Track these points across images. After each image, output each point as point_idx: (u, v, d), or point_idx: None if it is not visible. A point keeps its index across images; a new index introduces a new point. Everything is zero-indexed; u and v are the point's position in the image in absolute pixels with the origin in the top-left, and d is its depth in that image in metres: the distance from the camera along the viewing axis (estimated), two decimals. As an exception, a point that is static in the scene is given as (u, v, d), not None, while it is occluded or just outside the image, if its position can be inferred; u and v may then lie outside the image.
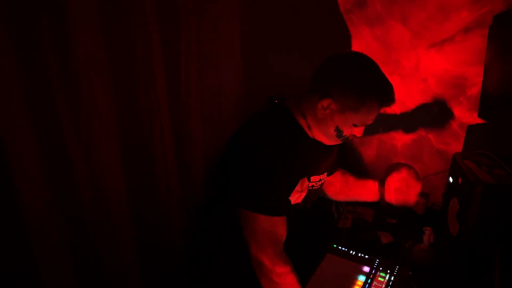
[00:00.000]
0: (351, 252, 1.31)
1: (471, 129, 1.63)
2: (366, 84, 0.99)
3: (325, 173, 1.25)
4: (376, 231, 1.51)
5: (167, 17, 1.23)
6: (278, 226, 1.04)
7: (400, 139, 1.91)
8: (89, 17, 0.95)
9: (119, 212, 1.12)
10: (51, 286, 0.93)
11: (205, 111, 1.56)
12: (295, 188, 1.09)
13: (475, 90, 1.62)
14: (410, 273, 1.22)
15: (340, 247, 1.33)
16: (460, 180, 1.26)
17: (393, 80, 1.81)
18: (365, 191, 1.39)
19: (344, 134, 1.06)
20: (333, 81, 1.01)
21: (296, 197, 1.11)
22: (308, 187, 1.15)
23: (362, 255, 1.29)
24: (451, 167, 1.40)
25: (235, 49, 1.90)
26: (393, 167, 1.27)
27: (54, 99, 0.90)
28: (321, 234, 1.46)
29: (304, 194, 1.14)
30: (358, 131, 1.07)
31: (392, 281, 1.18)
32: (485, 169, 1.20)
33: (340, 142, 1.12)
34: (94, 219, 1.05)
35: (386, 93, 1.01)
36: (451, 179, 1.37)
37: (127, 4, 1.07)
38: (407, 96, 1.80)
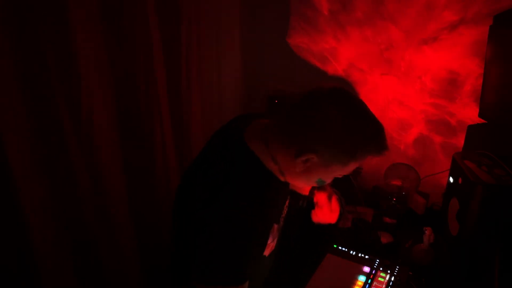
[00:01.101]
0: (351, 252, 1.31)
1: (471, 129, 1.63)
2: (357, 141, 0.83)
3: (287, 204, 1.10)
4: (376, 231, 1.51)
5: (168, 17, 1.24)
6: None
7: (400, 139, 1.91)
8: (90, 18, 0.95)
9: (119, 212, 1.12)
10: (51, 286, 0.93)
11: (205, 111, 1.56)
12: (268, 242, 0.94)
13: (469, 85, 1.63)
14: (410, 273, 1.22)
15: (340, 247, 1.33)
16: (460, 180, 1.26)
17: (390, 80, 1.84)
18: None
19: (326, 182, 0.92)
20: (317, 138, 0.84)
21: (269, 249, 0.98)
22: (279, 222, 1.01)
23: (362, 255, 1.29)
24: (451, 167, 1.40)
25: (235, 49, 1.91)
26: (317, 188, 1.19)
27: (54, 99, 0.91)
28: (321, 234, 1.46)
29: (276, 239, 1.01)
30: (341, 177, 0.93)
31: (392, 281, 1.18)
32: (485, 169, 1.20)
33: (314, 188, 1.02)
34: (94, 219, 1.05)
35: (379, 145, 0.85)
36: (451, 179, 1.37)
37: (128, 5, 1.07)
38: (405, 96, 1.80)
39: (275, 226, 0.97)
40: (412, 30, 1.70)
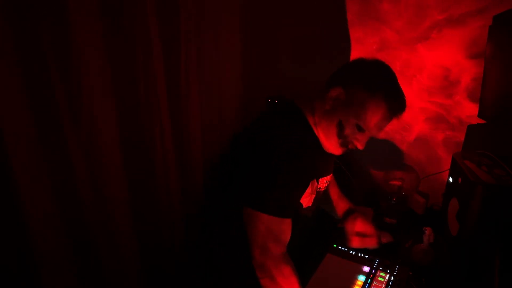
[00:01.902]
0: (351, 252, 1.31)
1: (471, 129, 1.64)
2: (380, 82, 0.97)
3: (331, 174, 1.23)
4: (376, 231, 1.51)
5: (168, 17, 1.24)
6: (283, 228, 1.00)
7: (400, 138, 1.91)
8: (89, 18, 0.95)
9: (119, 212, 1.12)
10: (51, 286, 0.93)
11: (205, 111, 1.56)
12: (306, 191, 1.05)
13: (465, 82, 1.64)
14: (410, 273, 1.22)
15: (340, 247, 1.33)
16: (460, 180, 1.26)
17: None
18: (337, 209, 1.40)
19: (345, 133, 1.00)
20: (348, 74, 1.00)
21: (307, 200, 1.08)
22: (317, 189, 1.12)
23: (362, 255, 1.29)
24: (451, 167, 1.40)
25: (235, 49, 1.90)
26: (349, 213, 1.30)
27: (54, 99, 0.91)
28: (321, 234, 1.46)
29: (314, 197, 1.11)
30: (360, 138, 1.01)
31: (392, 281, 1.18)
32: (485, 169, 1.20)
33: (339, 148, 1.05)
34: (94, 219, 1.05)
35: (396, 96, 0.99)
36: (451, 179, 1.37)
37: (127, 5, 1.07)
38: (405, 93, 1.80)
39: (315, 183, 1.07)
40: (404, 30, 1.72)
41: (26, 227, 0.87)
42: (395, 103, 0.98)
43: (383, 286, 1.16)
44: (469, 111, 1.65)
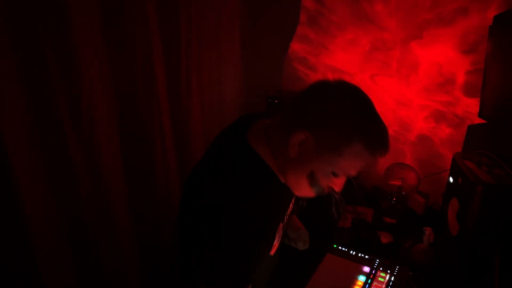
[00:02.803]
0: (351, 252, 1.31)
1: (471, 129, 1.63)
2: (355, 122, 0.78)
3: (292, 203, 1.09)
4: (376, 231, 1.51)
5: (168, 17, 1.24)
6: None
7: (400, 138, 1.91)
8: (90, 18, 0.95)
9: (119, 212, 1.12)
10: (51, 286, 0.93)
11: (205, 111, 1.56)
12: (274, 242, 0.93)
13: (460, 77, 1.64)
14: (410, 273, 1.22)
15: (340, 247, 1.33)
16: (460, 180, 1.26)
17: (383, 81, 1.84)
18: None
19: (319, 183, 0.84)
20: (314, 112, 0.79)
21: (275, 248, 0.97)
22: (282, 228, 0.99)
23: (362, 255, 1.29)
24: (451, 167, 1.40)
25: (235, 49, 1.91)
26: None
27: (55, 100, 0.91)
28: (321, 234, 1.46)
29: (280, 238, 0.99)
30: (338, 183, 0.85)
31: (392, 281, 1.18)
32: (485, 169, 1.20)
33: (313, 193, 0.88)
34: (94, 219, 1.05)
35: (378, 138, 0.80)
36: (451, 179, 1.37)
37: (128, 5, 1.07)
38: (401, 95, 1.81)
39: (281, 225, 0.95)
40: (396, 30, 1.73)
41: (26, 227, 0.87)
42: (376, 146, 0.80)
43: (383, 286, 1.16)
44: (467, 106, 1.66)
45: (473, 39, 1.53)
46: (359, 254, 1.29)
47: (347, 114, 0.78)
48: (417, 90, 1.77)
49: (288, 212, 1.02)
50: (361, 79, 1.88)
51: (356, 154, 0.78)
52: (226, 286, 0.80)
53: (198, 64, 1.43)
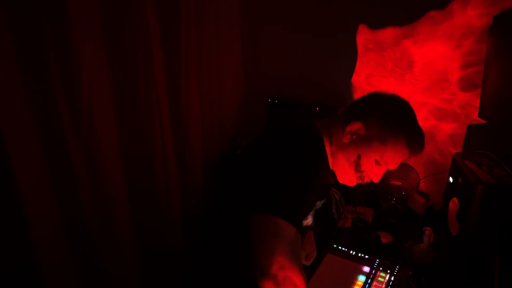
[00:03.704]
0: (351, 252, 1.31)
1: (471, 129, 1.63)
2: (403, 121, 0.97)
3: (326, 197, 1.28)
4: (376, 231, 1.51)
5: (168, 17, 1.24)
6: (299, 243, 0.87)
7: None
8: (90, 18, 0.95)
9: (119, 212, 1.12)
10: (52, 286, 0.93)
11: (205, 112, 1.56)
12: (310, 213, 1.07)
13: (455, 73, 1.66)
14: (410, 273, 1.22)
15: (340, 247, 1.33)
16: (460, 180, 1.26)
17: (379, 82, 1.85)
18: None
19: (362, 168, 0.99)
20: (371, 109, 0.99)
21: (307, 220, 1.11)
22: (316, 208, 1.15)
23: (362, 255, 1.29)
24: (451, 167, 1.40)
25: (235, 49, 1.91)
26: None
27: (55, 100, 0.91)
28: (321, 234, 1.46)
29: (312, 217, 1.15)
30: (377, 172, 1.01)
31: (392, 281, 1.18)
32: (485, 169, 1.20)
33: (354, 181, 1.03)
34: (95, 220, 1.05)
35: (417, 138, 0.99)
36: (451, 179, 1.37)
37: (127, 5, 1.07)
38: (400, 92, 1.82)
39: (317, 203, 1.07)
40: (389, 29, 1.75)
41: (27, 227, 0.87)
42: (416, 145, 0.99)
43: (383, 286, 1.16)
44: (464, 101, 1.68)
45: (460, 34, 1.59)
46: (359, 254, 1.29)
47: (398, 113, 0.98)
48: (413, 88, 1.78)
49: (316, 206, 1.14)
50: (356, 81, 1.89)
51: (398, 147, 0.96)
52: (279, 213, 0.83)
53: (198, 64, 1.44)
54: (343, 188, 1.68)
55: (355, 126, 0.96)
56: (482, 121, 1.50)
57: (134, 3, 1.08)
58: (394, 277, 1.19)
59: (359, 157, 0.98)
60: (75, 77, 0.93)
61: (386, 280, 1.18)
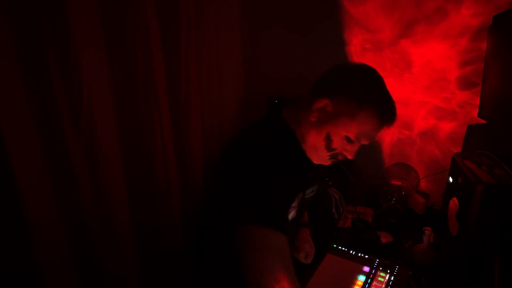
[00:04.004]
0: (351, 252, 1.31)
1: (471, 129, 1.63)
2: (367, 92, 0.90)
3: (318, 183, 1.21)
4: (376, 231, 1.51)
5: (168, 17, 1.24)
6: (287, 247, 0.85)
7: (400, 137, 1.91)
8: (89, 18, 0.95)
9: (119, 212, 1.12)
10: (52, 286, 0.93)
11: (205, 111, 1.56)
12: (293, 204, 1.02)
13: (453, 72, 1.67)
14: (410, 273, 1.22)
15: (340, 247, 1.33)
16: (460, 180, 1.26)
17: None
18: None
19: (333, 146, 0.94)
20: (334, 83, 0.93)
21: (292, 213, 1.06)
22: (302, 199, 1.09)
23: (362, 255, 1.29)
24: (451, 167, 1.40)
25: (235, 50, 1.90)
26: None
27: (54, 101, 0.91)
28: (321, 234, 1.46)
29: (298, 209, 1.08)
30: (350, 149, 0.96)
31: (392, 281, 1.18)
32: (485, 169, 1.20)
33: (328, 160, 0.99)
34: (95, 220, 1.05)
35: (385, 105, 0.92)
36: (451, 179, 1.37)
37: (128, 5, 1.07)
38: (397, 94, 1.82)
39: (301, 195, 1.03)
40: (384, 29, 1.75)
41: (27, 227, 0.87)
42: (386, 112, 0.92)
43: (383, 286, 1.16)
44: (463, 100, 1.68)
45: (456, 33, 1.60)
46: (359, 254, 1.29)
47: (362, 84, 0.91)
48: (413, 88, 1.78)
49: (311, 192, 1.12)
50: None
51: (367, 119, 0.91)
52: (262, 222, 0.83)
53: (198, 64, 1.43)
54: (344, 188, 1.68)
55: (321, 102, 0.92)
56: (482, 120, 1.50)
57: (134, 3, 1.08)
58: (394, 277, 1.19)
59: (328, 135, 0.93)
60: (75, 77, 0.93)
61: (386, 280, 1.18)
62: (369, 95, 0.90)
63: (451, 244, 1.31)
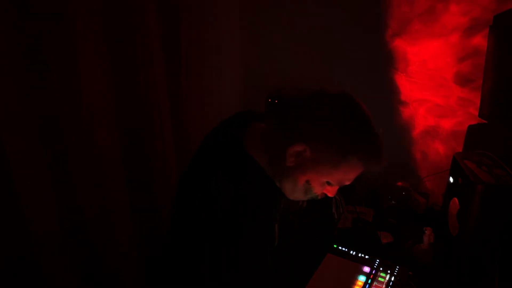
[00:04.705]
0: (351, 252, 1.31)
1: (471, 129, 1.63)
2: (352, 138, 0.80)
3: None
4: (376, 231, 1.51)
5: (168, 16, 1.24)
6: None
7: (400, 137, 1.91)
8: (90, 18, 0.95)
9: (119, 212, 1.12)
10: (52, 285, 0.93)
11: (206, 111, 1.56)
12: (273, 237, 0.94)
13: (451, 70, 1.68)
14: (410, 273, 1.22)
15: (340, 247, 1.33)
16: (460, 180, 1.26)
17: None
18: None
19: (314, 191, 0.87)
20: (312, 125, 0.81)
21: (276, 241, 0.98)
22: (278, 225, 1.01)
23: (362, 255, 1.29)
24: (451, 167, 1.40)
25: (235, 49, 1.91)
26: None
27: (54, 101, 0.91)
28: (321, 234, 1.46)
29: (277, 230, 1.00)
30: (331, 191, 0.89)
31: (392, 281, 1.18)
32: (485, 169, 1.20)
33: (305, 199, 0.91)
34: (95, 220, 1.05)
35: (373, 154, 0.82)
36: (451, 179, 1.37)
37: (128, 7, 1.07)
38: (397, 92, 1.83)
39: (276, 226, 0.96)
40: (378, 29, 1.76)
41: (26, 227, 0.87)
42: (372, 161, 0.83)
43: (383, 286, 1.16)
44: (461, 97, 1.69)
45: (448, 31, 1.61)
46: (359, 254, 1.29)
47: (344, 129, 0.80)
48: (410, 87, 1.78)
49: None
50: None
51: (351, 167, 0.82)
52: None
53: (198, 64, 1.44)
54: (343, 188, 1.68)
55: (298, 147, 0.80)
56: (482, 120, 1.50)
57: (135, 3, 1.08)
58: (394, 277, 1.19)
59: (308, 182, 0.85)
60: (75, 77, 0.93)
61: (386, 280, 1.18)
62: (353, 145, 0.80)
63: (451, 244, 1.31)
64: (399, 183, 1.75)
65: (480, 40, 1.55)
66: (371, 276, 1.20)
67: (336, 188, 0.88)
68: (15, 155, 0.82)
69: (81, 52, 0.93)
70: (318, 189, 0.87)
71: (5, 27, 0.78)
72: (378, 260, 1.26)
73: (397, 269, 1.22)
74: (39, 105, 0.88)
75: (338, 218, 1.60)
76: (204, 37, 1.49)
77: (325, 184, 0.86)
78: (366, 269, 1.23)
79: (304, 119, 0.83)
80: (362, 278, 1.18)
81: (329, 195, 0.90)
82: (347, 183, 0.87)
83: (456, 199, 1.29)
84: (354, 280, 1.18)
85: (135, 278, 1.21)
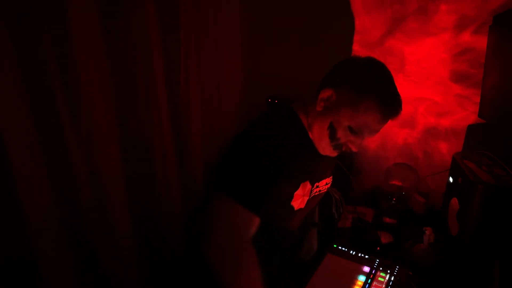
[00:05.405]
0: (351, 252, 1.31)
1: (471, 129, 1.63)
2: (370, 83, 0.92)
3: (331, 176, 1.20)
4: (376, 231, 1.51)
5: (167, 16, 1.24)
6: (250, 225, 0.89)
7: (400, 136, 1.91)
8: (89, 17, 0.95)
9: (119, 212, 1.12)
10: (51, 286, 0.93)
11: (205, 111, 1.56)
12: (297, 192, 1.02)
13: (447, 68, 1.68)
14: (410, 273, 1.22)
15: (340, 247, 1.33)
16: (460, 180, 1.26)
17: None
18: None
19: (337, 135, 0.95)
20: (338, 74, 0.97)
21: (299, 202, 1.05)
22: (313, 191, 1.09)
23: (362, 255, 1.29)
24: (451, 167, 1.40)
25: (235, 50, 1.90)
26: None
27: (54, 101, 0.91)
28: (321, 234, 1.46)
29: (307, 198, 1.08)
30: (354, 140, 0.96)
31: (392, 281, 1.18)
32: (485, 169, 1.20)
33: (333, 151, 1.01)
34: (94, 219, 1.05)
35: (388, 98, 0.92)
36: (451, 179, 1.37)
37: (127, 5, 1.07)
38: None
39: (308, 185, 1.04)
40: (371, 29, 1.76)
41: (26, 227, 0.87)
42: (388, 105, 0.92)
43: (383, 286, 1.16)
44: (460, 94, 1.69)
45: (439, 29, 1.62)
46: (359, 254, 1.29)
47: (367, 75, 0.93)
48: (408, 85, 1.78)
49: (326, 182, 1.15)
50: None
51: (368, 109, 0.91)
52: (239, 197, 0.89)
53: (198, 64, 1.43)
54: (344, 188, 1.68)
55: (326, 93, 0.95)
56: (481, 120, 1.50)
57: (134, 3, 1.08)
58: (394, 277, 1.19)
59: (331, 124, 0.95)
60: (75, 77, 0.93)
61: (386, 280, 1.18)
62: (371, 85, 0.92)
63: (451, 244, 1.31)
64: (399, 183, 1.75)
65: (470, 37, 1.56)
66: (371, 276, 1.20)
67: (359, 140, 0.97)
68: (16, 155, 0.82)
69: (81, 52, 0.93)
70: (341, 134, 0.95)
71: (5, 27, 0.78)
72: (378, 260, 1.26)
73: (397, 269, 1.22)
74: (39, 105, 0.88)
75: (338, 218, 1.60)
76: (204, 36, 1.49)
77: (347, 130, 0.94)
78: (366, 269, 1.23)
79: (334, 71, 0.99)
80: (362, 278, 1.18)
81: (353, 148, 0.97)
82: (367, 133, 0.95)
83: (456, 199, 1.29)
84: (354, 280, 1.18)
85: (135, 278, 1.21)
